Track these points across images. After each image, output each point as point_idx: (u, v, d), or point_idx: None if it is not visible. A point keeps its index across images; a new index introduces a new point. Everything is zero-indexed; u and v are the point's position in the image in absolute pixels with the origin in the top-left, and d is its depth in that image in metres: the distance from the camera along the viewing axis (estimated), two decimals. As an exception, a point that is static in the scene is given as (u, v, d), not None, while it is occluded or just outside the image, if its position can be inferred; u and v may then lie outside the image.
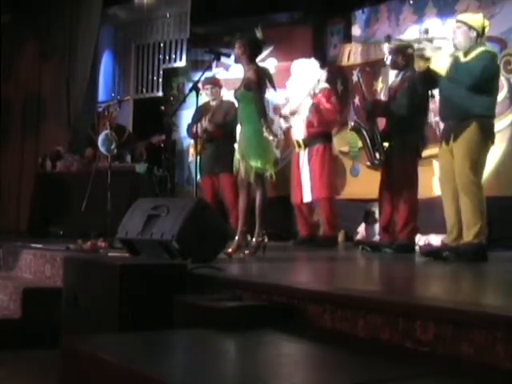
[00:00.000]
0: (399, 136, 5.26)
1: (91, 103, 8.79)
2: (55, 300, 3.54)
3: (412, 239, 5.30)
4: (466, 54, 4.37)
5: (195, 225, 3.66)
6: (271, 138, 4.39)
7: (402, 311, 2.13)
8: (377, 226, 5.99)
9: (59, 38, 8.76)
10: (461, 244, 4.29)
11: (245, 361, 2.03)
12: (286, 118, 6.08)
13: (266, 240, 4.53)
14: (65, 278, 3.48)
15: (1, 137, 8.63)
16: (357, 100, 7.51)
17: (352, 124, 5.69)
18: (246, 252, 4.43)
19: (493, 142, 4.38)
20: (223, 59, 5.33)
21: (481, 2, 6.55)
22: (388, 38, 5.41)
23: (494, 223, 5.35)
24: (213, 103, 6.39)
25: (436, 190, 6.32)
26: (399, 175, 5.21)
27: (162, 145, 7.84)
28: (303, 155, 6.00)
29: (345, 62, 7.87)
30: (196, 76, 7.09)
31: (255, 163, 4.42)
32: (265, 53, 6.95)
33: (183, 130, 8.11)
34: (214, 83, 6.45)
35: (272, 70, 6.23)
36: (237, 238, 4.53)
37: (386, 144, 5.34)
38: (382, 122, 5.55)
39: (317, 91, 5.95)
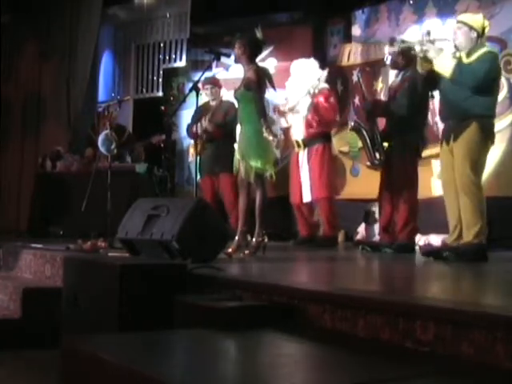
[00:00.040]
0: (399, 136, 5.26)
1: (91, 103, 8.79)
2: (55, 300, 3.54)
3: (412, 239, 5.30)
4: (468, 55, 4.36)
5: (195, 225, 3.66)
6: (271, 138, 4.39)
7: (402, 311, 2.13)
8: (377, 226, 5.99)
9: (59, 37, 8.76)
10: (461, 244, 4.30)
11: (245, 361, 2.03)
12: (282, 114, 6.07)
13: (265, 240, 4.53)
14: (65, 278, 3.48)
15: (1, 137, 8.63)
16: (357, 100, 7.51)
17: (352, 124, 5.69)
18: (246, 252, 4.43)
19: (493, 142, 4.38)
20: (223, 59, 5.33)
21: (481, 2, 6.55)
22: (392, 41, 5.40)
23: (494, 223, 5.35)
24: (213, 103, 6.39)
25: (435, 190, 6.33)
26: (399, 175, 5.21)
27: (162, 145, 7.82)
28: (302, 155, 6.01)
29: (345, 62, 7.87)
30: (196, 76, 7.09)
31: (255, 163, 4.43)
32: (265, 53, 6.96)
33: (183, 130, 8.10)
34: (214, 83, 6.45)
35: (272, 70, 6.24)
36: (237, 238, 4.53)
37: (385, 144, 5.34)
38: (382, 122, 5.55)
39: (316, 91, 5.95)
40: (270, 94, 4.94)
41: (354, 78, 7.58)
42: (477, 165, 4.30)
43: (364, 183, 6.95)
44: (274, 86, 4.61)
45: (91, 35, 8.60)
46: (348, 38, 7.92)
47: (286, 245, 6.31)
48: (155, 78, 9.19)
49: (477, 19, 4.46)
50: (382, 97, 6.94)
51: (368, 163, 5.47)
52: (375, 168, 5.44)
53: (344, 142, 7.37)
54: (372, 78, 7.46)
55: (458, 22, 4.49)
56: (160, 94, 9.15)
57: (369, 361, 1.98)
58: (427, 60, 4.44)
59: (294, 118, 6.03)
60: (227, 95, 6.40)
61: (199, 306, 2.59)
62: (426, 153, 5.54)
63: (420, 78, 4.84)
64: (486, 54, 4.32)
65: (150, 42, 9.21)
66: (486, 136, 4.31)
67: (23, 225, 7.79)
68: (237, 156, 4.59)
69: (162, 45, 9.06)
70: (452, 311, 2.02)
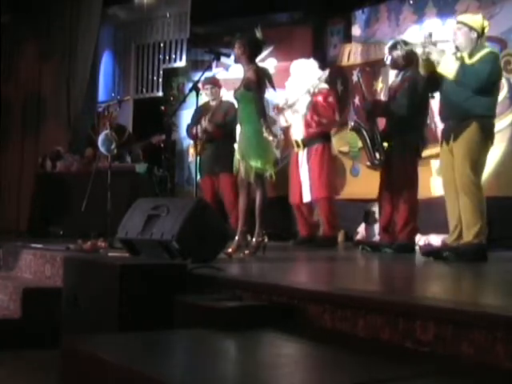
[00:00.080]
0: (399, 136, 5.25)
1: (91, 103, 8.79)
2: (55, 300, 3.54)
3: (412, 239, 5.30)
4: (470, 56, 4.36)
5: (195, 225, 3.66)
6: (271, 138, 4.39)
7: (402, 311, 2.13)
8: (377, 226, 5.99)
9: (59, 37, 8.76)
10: (461, 244, 4.30)
11: (245, 361, 2.03)
12: (281, 111, 6.06)
13: (266, 240, 4.53)
14: (65, 278, 3.48)
15: (1, 137, 8.63)
16: (357, 100, 7.51)
17: (352, 124, 5.68)
18: (246, 252, 4.43)
19: (492, 143, 4.39)
20: (223, 59, 5.33)
21: (481, 2, 6.55)
22: (395, 44, 5.39)
23: (494, 223, 5.35)
24: (212, 103, 6.39)
25: (435, 190, 6.34)
26: (399, 175, 5.21)
27: (162, 145, 7.83)
28: (302, 155, 6.01)
29: (345, 62, 7.88)
30: (196, 76, 7.10)
31: (255, 163, 4.43)
32: (265, 53, 6.95)
33: (183, 130, 8.10)
34: (214, 83, 6.45)
35: (272, 70, 6.24)
36: (237, 237, 4.53)
37: (385, 144, 5.34)
38: (382, 122, 5.55)
39: (316, 90, 5.95)
40: (270, 94, 4.95)
41: (354, 78, 7.58)
42: (477, 165, 4.30)
43: (364, 183, 6.95)
44: (273, 86, 4.61)
45: (91, 35, 8.60)
46: (348, 38, 7.92)
47: (286, 245, 6.30)
48: (155, 77, 9.18)
49: (476, 19, 4.47)
50: (382, 97, 6.94)
51: (368, 163, 5.47)
52: (375, 168, 5.44)
53: (344, 141, 7.37)
54: (372, 78, 7.46)
55: (458, 22, 4.49)
56: (160, 94, 9.15)
57: (369, 361, 1.98)
58: (429, 62, 4.44)
59: (293, 118, 6.03)
60: (227, 95, 6.40)
61: (199, 305, 2.59)
62: (425, 153, 5.54)
63: (421, 79, 4.84)
64: (488, 55, 4.32)
65: (150, 42, 9.21)
66: (486, 136, 4.32)
67: (23, 225, 7.79)
68: (237, 156, 4.59)
69: (161, 45, 9.06)
70: (452, 311, 2.02)
